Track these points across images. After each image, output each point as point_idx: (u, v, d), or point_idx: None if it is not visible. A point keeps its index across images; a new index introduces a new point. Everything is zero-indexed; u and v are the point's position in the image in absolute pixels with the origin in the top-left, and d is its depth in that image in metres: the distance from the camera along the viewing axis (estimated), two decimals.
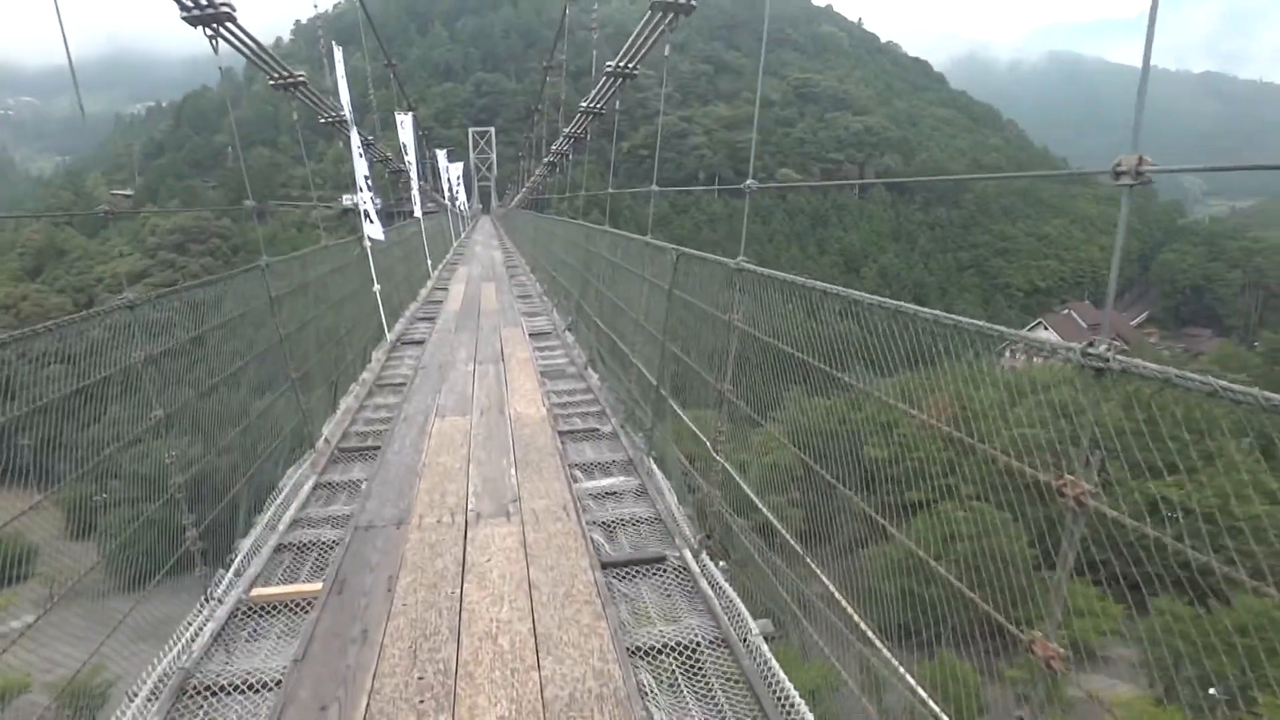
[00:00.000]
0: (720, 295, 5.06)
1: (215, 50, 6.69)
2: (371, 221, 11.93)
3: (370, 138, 14.54)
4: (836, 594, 3.91)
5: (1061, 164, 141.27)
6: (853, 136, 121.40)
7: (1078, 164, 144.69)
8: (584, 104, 12.05)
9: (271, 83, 9.01)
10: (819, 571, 4.20)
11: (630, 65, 9.27)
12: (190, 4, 6.34)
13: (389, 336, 12.54)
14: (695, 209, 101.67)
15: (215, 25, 6.50)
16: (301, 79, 9.09)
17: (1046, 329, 76.40)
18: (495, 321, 14.53)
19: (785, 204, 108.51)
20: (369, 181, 12.00)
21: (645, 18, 7.45)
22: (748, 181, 5.00)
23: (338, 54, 11.38)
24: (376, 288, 12.08)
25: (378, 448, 7.36)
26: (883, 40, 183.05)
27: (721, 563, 4.94)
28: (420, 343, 12.78)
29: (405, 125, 21.34)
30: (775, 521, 4.46)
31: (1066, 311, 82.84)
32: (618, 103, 10.36)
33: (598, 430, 7.72)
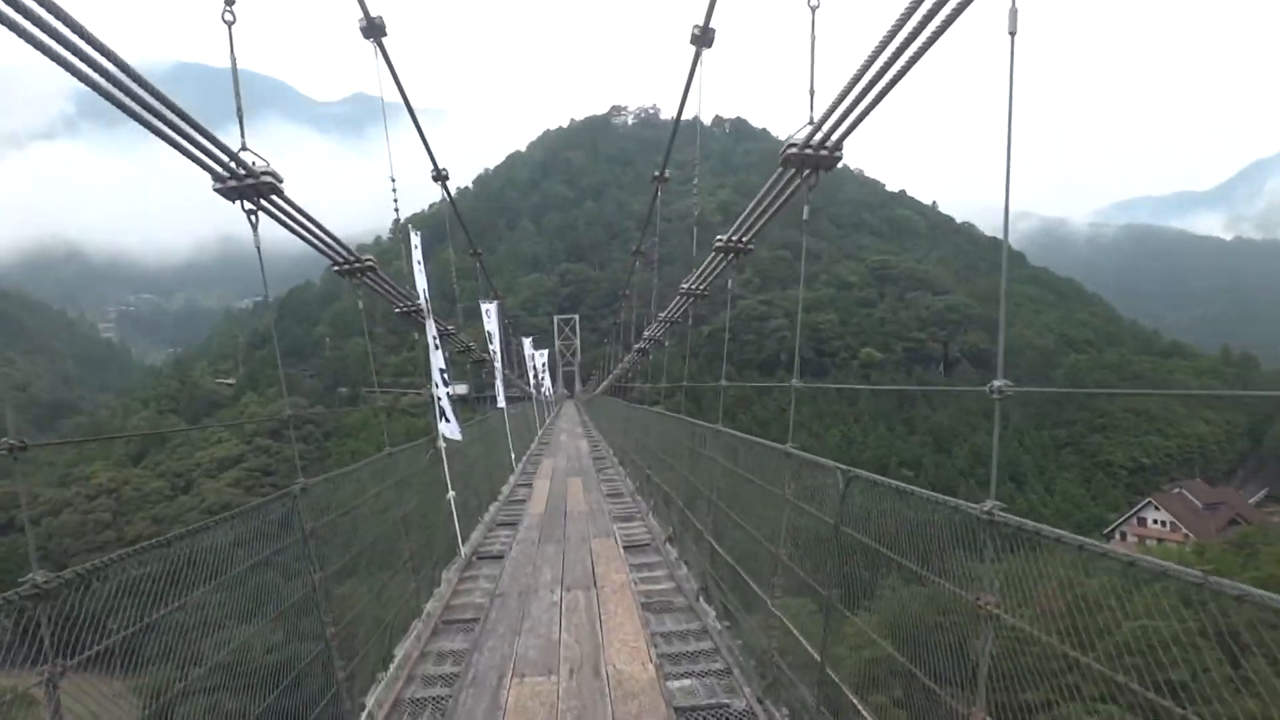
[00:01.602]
0: (951, 556, 3.26)
1: (254, 228, 5.51)
2: (448, 420, 10.57)
3: (450, 328, 13.55)
4: None
5: (1152, 337, 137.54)
6: (935, 315, 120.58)
7: (1170, 337, 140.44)
8: (686, 284, 10.78)
9: (335, 269, 7.90)
10: None
11: (744, 240, 7.93)
12: (225, 174, 5.23)
13: (463, 551, 10.88)
14: (778, 391, 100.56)
15: (256, 199, 5.35)
16: (369, 263, 7.98)
17: (1158, 509, 71.08)
18: (584, 529, 12.78)
19: (871, 381, 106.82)
20: (445, 375, 10.75)
21: (775, 175, 6.08)
22: (995, 383, 3.25)
23: (415, 238, 10.45)
24: (451, 495, 10.57)
25: None
26: (958, 221, 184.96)
27: None
28: (499, 557, 11.05)
29: (491, 314, 20.65)
30: None
31: (1178, 490, 76.92)
32: (730, 281, 8.97)
33: (728, 707, 5.72)
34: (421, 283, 10.53)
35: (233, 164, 5.23)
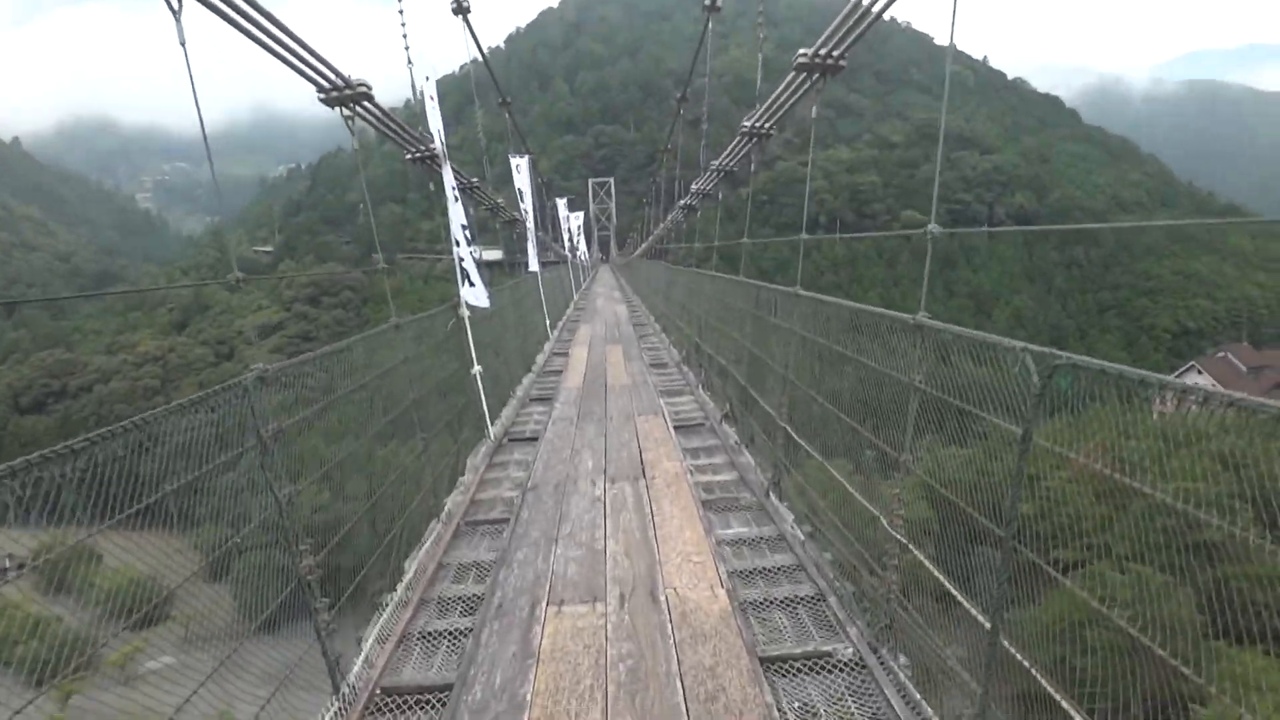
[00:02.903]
0: None
1: (177, 18, 3.90)
2: (472, 284, 9.10)
3: (474, 181, 11.89)
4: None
5: (1207, 199, 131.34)
6: (981, 176, 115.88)
7: (1227, 199, 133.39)
8: (748, 122, 9.00)
9: (320, 97, 6.26)
10: None
11: (836, 54, 6.17)
12: None
13: (492, 432, 9.60)
14: (816, 253, 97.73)
15: None
16: (362, 89, 6.30)
17: (1200, 373, 68.61)
18: (627, 405, 11.43)
19: (910, 244, 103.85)
20: (467, 233, 9.19)
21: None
22: None
23: (427, 71, 8.65)
24: (477, 370, 9.23)
25: (446, 689, 4.25)
26: (1009, 77, 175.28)
27: None
28: (533, 439, 9.76)
29: (521, 169, 18.84)
30: None
31: (1222, 354, 74.12)
32: (813, 109, 7.15)
33: (830, 656, 4.36)
34: (436, 123, 8.86)
35: None
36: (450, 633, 4.92)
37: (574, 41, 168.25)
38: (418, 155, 8.82)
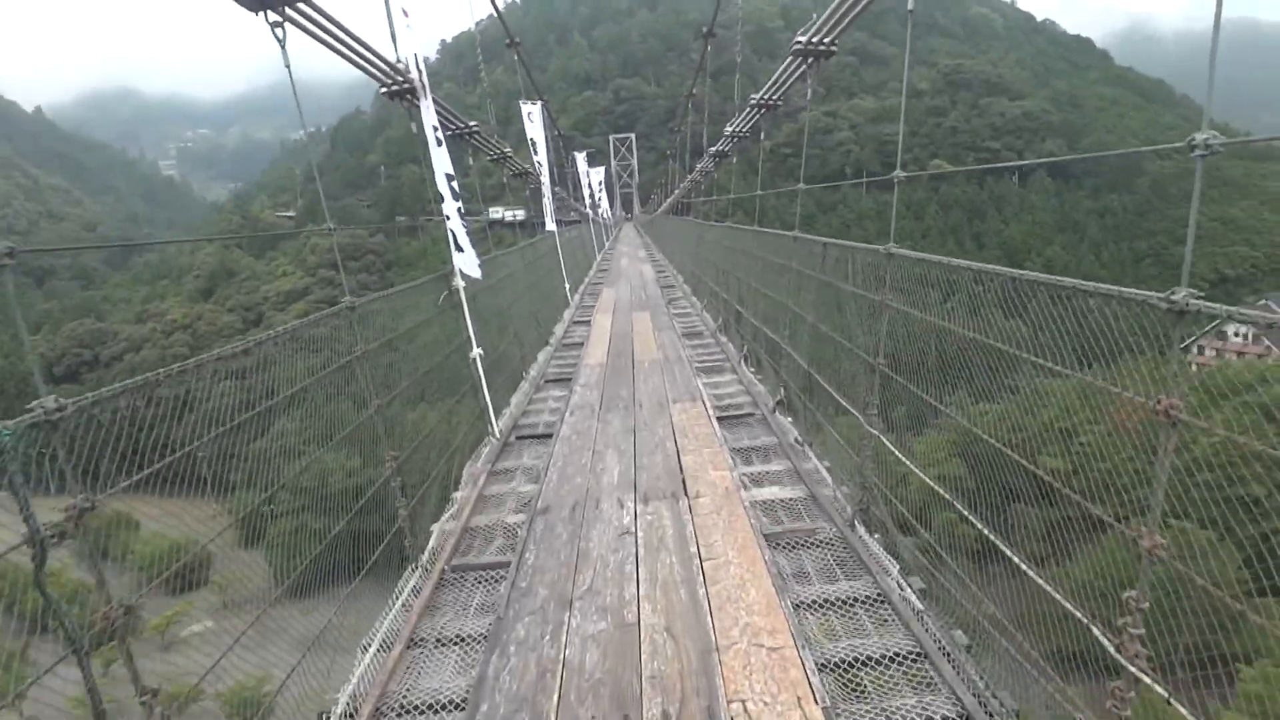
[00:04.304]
0: None
1: None
2: (461, 250, 7.37)
3: (473, 125, 10.08)
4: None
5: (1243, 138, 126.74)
6: (1010, 123, 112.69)
7: (1265, 142, 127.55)
8: (803, 35, 7.14)
9: None
10: None
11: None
12: None
13: (497, 428, 7.92)
14: (843, 206, 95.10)
15: None
16: None
17: (1239, 322, 65.35)
18: (660, 388, 9.65)
19: (938, 196, 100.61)
20: (454, 184, 7.39)
21: None
22: None
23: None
24: (476, 353, 7.53)
25: None
26: (1039, 19, 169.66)
27: None
28: (545, 437, 8.03)
29: (534, 118, 16.95)
30: None
31: (1263, 302, 71.11)
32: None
33: None
34: (411, 46, 7.06)
35: None
36: None
37: None
38: (393, 88, 7.04)
